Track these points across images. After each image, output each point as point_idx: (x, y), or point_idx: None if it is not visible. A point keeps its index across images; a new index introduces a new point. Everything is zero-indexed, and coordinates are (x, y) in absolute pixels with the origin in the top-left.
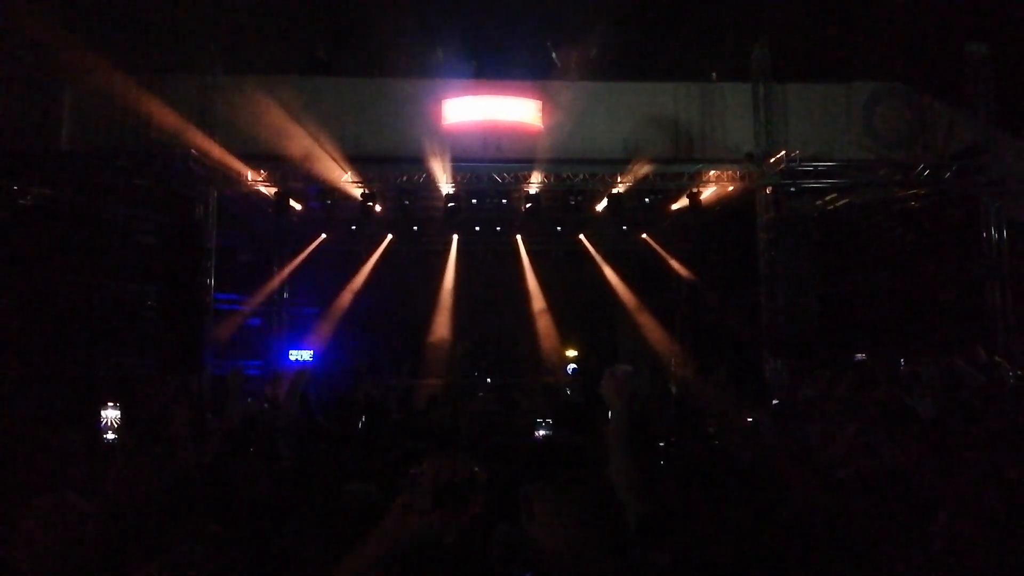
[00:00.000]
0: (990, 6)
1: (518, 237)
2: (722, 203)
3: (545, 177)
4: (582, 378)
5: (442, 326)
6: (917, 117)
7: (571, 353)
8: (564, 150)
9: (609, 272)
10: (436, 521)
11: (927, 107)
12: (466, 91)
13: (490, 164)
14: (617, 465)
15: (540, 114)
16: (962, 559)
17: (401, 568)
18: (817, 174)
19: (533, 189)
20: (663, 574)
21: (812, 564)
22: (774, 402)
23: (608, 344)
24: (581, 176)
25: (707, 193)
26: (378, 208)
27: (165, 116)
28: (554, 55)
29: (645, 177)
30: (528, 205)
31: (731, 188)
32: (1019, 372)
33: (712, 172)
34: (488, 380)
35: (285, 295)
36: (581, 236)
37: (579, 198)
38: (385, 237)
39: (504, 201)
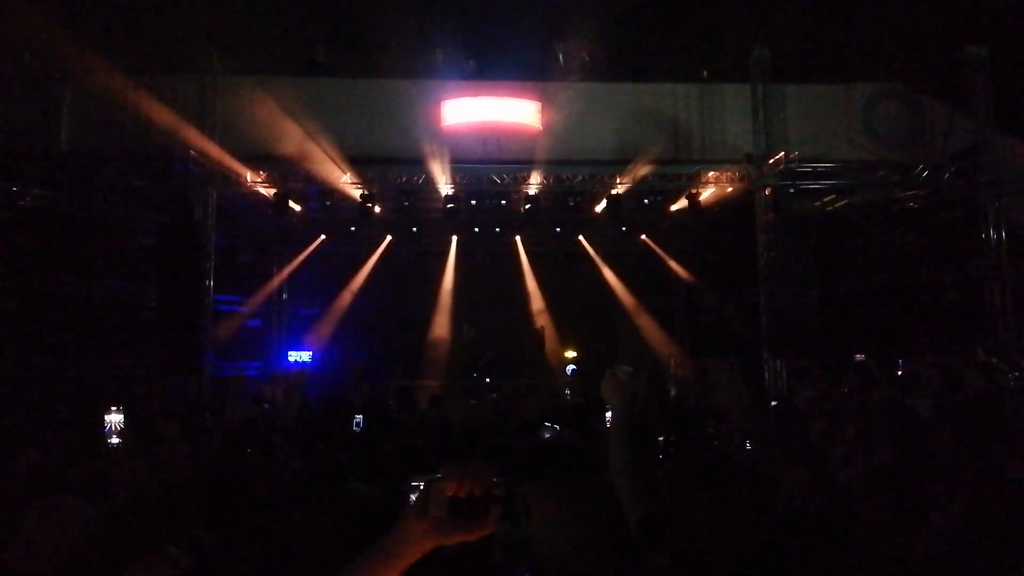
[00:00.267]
0: (989, 8)
1: (517, 238)
2: (721, 204)
3: (544, 178)
4: (581, 379)
5: (441, 327)
6: (916, 118)
7: (570, 354)
8: (563, 151)
9: (608, 273)
10: (449, 533)
11: (926, 108)
12: (465, 92)
13: (489, 165)
14: (617, 466)
15: (539, 115)
16: (962, 561)
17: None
18: (816, 175)
19: (532, 190)
20: (663, 575)
21: (812, 565)
22: (773, 403)
23: (607, 345)
24: (580, 177)
25: (706, 194)
26: (377, 209)
27: (164, 117)
28: (561, 57)
29: (644, 178)
30: (527, 206)
31: (730, 189)
32: (1017, 373)
33: (711, 173)
34: (488, 380)
35: (284, 296)
36: (580, 237)
37: (578, 199)
38: (384, 238)
39: (503, 202)
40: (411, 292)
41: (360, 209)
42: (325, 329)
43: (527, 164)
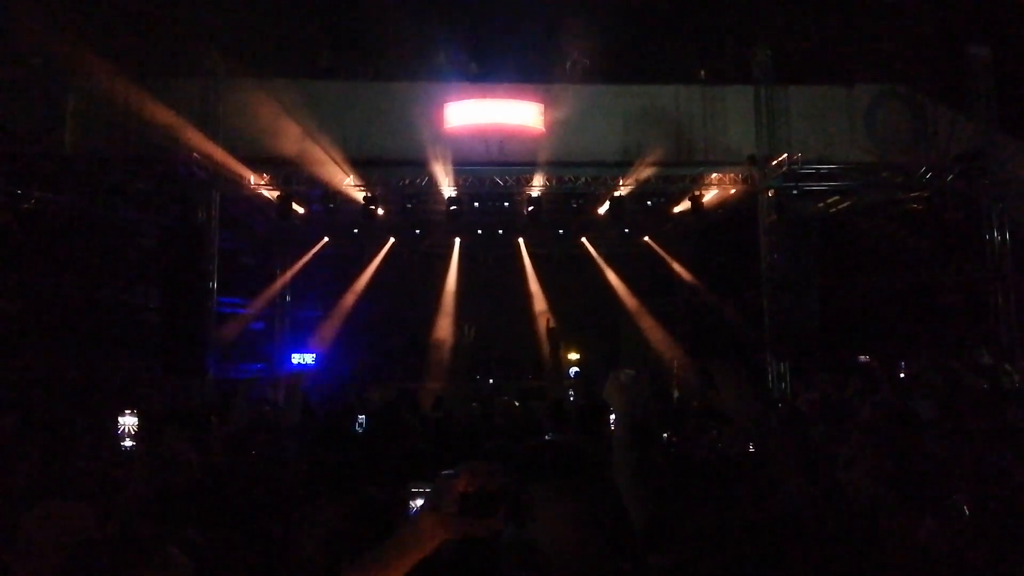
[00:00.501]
0: (991, 8)
1: (520, 240)
2: (724, 206)
3: (547, 180)
4: (584, 382)
5: (444, 329)
6: (919, 120)
7: (573, 356)
8: (566, 153)
9: (611, 275)
10: (459, 528)
11: (929, 110)
12: (468, 94)
13: (492, 167)
14: (620, 468)
15: (542, 117)
16: (964, 562)
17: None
18: (819, 177)
19: (535, 192)
20: None
21: (814, 567)
22: (778, 405)
23: (610, 347)
24: (583, 179)
25: (709, 196)
26: (380, 211)
27: (167, 120)
28: (563, 59)
29: (647, 180)
30: (530, 208)
31: (733, 191)
32: (1019, 375)
33: (714, 175)
34: (491, 381)
35: (287, 298)
36: (583, 239)
37: (581, 201)
38: (387, 240)
39: (506, 204)
40: (414, 294)
41: (363, 211)
42: (328, 331)
43: (530, 166)
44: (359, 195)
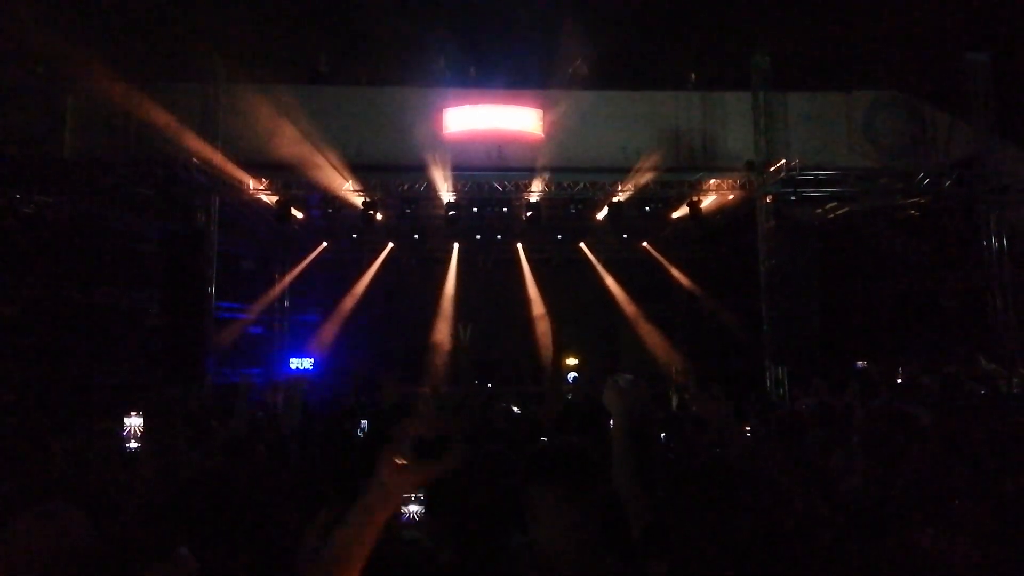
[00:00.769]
0: (989, 15)
1: (519, 245)
2: (723, 211)
3: (546, 185)
4: (583, 386)
5: (443, 334)
6: (917, 125)
7: (572, 362)
8: (565, 158)
9: (609, 280)
10: (417, 472)
11: (927, 115)
12: (467, 100)
13: (491, 172)
14: (619, 474)
15: (541, 123)
16: (961, 570)
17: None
18: (817, 182)
19: (534, 197)
20: None
21: (813, 573)
22: (777, 411)
23: (609, 352)
24: (582, 184)
25: (707, 201)
26: (379, 216)
27: (167, 125)
28: (562, 65)
29: (646, 185)
30: (529, 213)
31: (731, 196)
32: (1017, 380)
33: (712, 180)
34: (489, 385)
35: (286, 303)
36: (582, 244)
37: (580, 206)
38: (386, 245)
39: (505, 209)
40: (413, 299)
41: (362, 216)
42: (327, 336)
43: (529, 171)
44: (358, 200)
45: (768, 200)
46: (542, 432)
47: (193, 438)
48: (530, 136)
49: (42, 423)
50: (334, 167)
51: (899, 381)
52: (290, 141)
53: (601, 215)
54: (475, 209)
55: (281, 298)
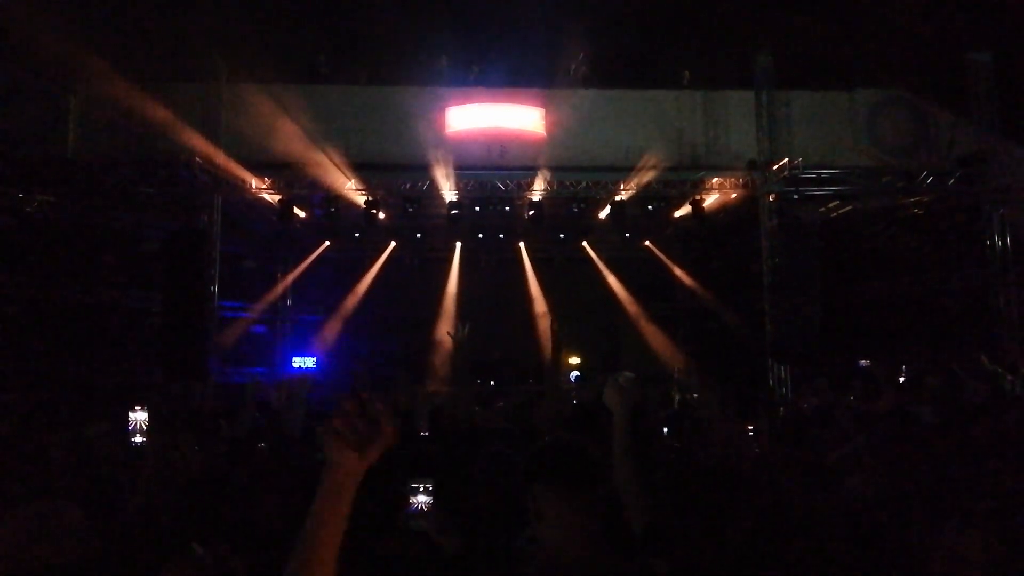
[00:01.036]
0: (992, 14)
1: (521, 244)
2: (725, 210)
3: (548, 184)
4: (585, 385)
5: (443, 333)
6: (920, 124)
7: (574, 360)
8: (567, 157)
9: (612, 279)
10: (360, 448)
11: (930, 114)
12: (469, 99)
13: (493, 172)
14: (620, 472)
15: (543, 122)
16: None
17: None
18: (820, 181)
19: (536, 196)
20: None
21: (814, 573)
22: (780, 410)
23: (611, 351)
24: (584, 183)
25: (710, 200)
26: (381, 215)
27: (170, 124)
28: (564, 64)
29: (648, 184)
30: (531, 212)
31: (734, 195)
32: (1021, 380)
33: (715, 179)
34: (492, 383)
35: (289, 302)
36: (584, 243)
37: (582, 205)
38: (388, 244)
39: (507, 208)
40: (415, 298)
41: (364, 215)
42: (329, 335)
43: (531, 170)
44: (360, 199)
45: (771, 199)
46: (536, 432)
47: (198, 437)
48: (532, 135)
49: (44, 422)
50: (336, 166)
51: (902, 380)
52: (292, 140)
53: (603, 214)
54: (477, 208)
55: (284, 297)
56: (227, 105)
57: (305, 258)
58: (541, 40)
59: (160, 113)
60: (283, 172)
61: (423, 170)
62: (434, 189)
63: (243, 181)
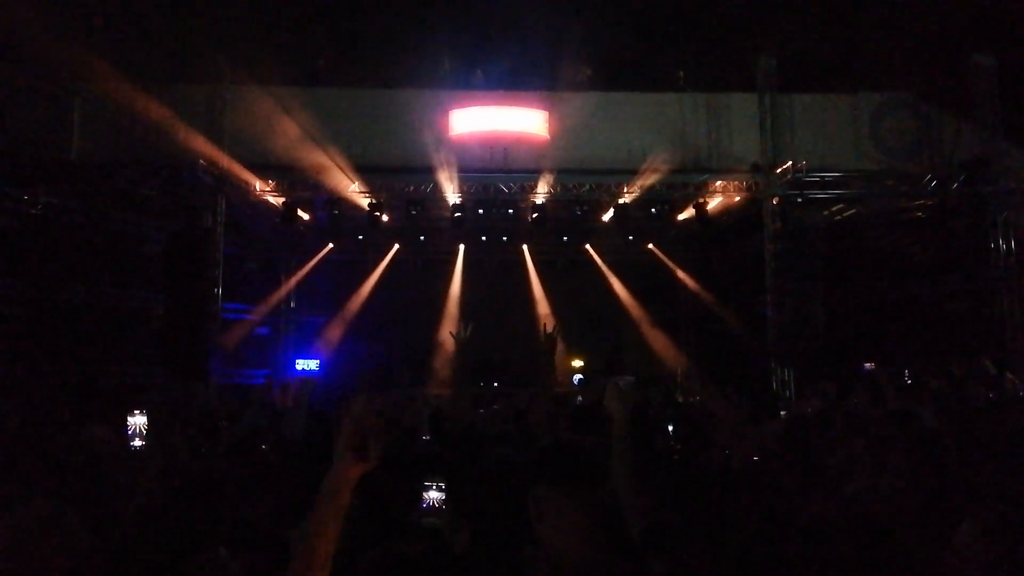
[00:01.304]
0: (996, 17)
1: (524, 247)
2: (729, 213)
3: (551, 187)
4: (588, 388)
5: (446, 335)
6: (924, 127)
7: (577, 363)
8: (570, 160)
9: (615, 282)
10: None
11: (934, 117)
12: (473, 102)
13: (496, 174)
14: (619, 475)
15: (546, 124)
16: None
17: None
18: (824, 185)
19: (539, 199)
20: None
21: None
22: (782, 413)
23: (614, 354)
24: (587, 186)
25: (713, 203)
26: (385, 218)
27: (174, 126)
28: (568, 67)
29: (651, 187)
30: (534, 215)
31: (737, 198)
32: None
33: (718, 182)
34: (496, 384)
35: (292, 304)
36: (587, 246)
37: (585, 208)
38: (392, 246)
39: (510, 211)
40: (418, 300)
41: (368, 218)
42: (332, 337)
43: (534, 173)
44: (364, 201)
45: (774, 202)
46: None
47: (200, 439)
48: (536, 138)
49: (45, 423)
50: (340, 168)
51: (906, 383)
52: (296, 142)
53: (607, 217)
54: (481, 211)
55: (287, 299)
56: (231, 107)
57: (308, 260)
58: (545, 43)
59: (164, 115)
60: (287, 174)
61: (427, 173)
62: (437, 192)
63: (247, 183)
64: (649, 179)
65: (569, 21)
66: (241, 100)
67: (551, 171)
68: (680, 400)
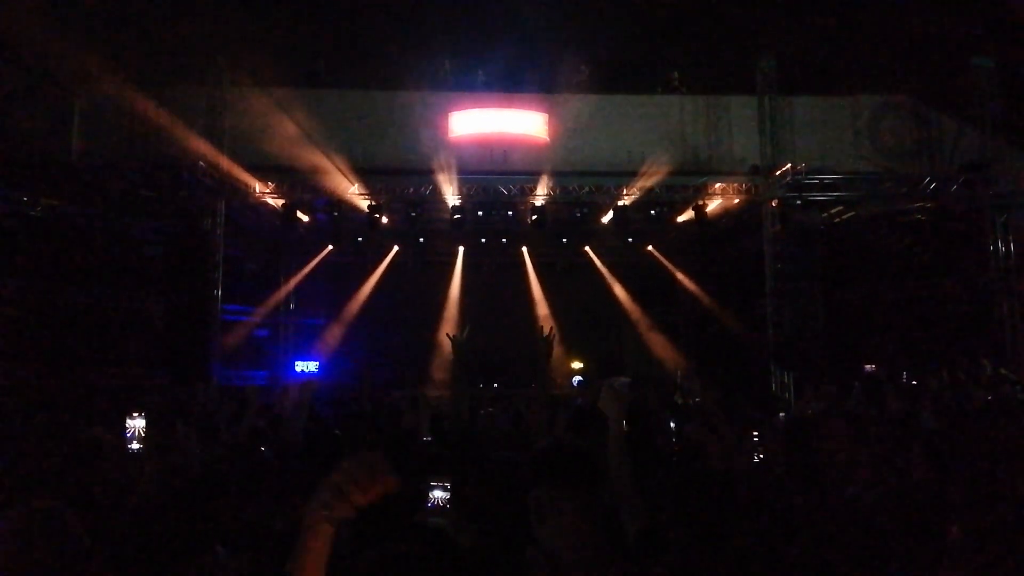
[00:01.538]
0: (996, 20)
1: (524, 249)
2: (728, 215)
3: (551, 189)
4: (588, 389)
5: (444, 336)
6: (923, 130)
7: (576, 365)
8: (570, 162)
9: (614, 284)
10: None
11: (933, 120)
12: (472, 104)
13: (496, 176)
14: (615, 477)
15: (546, 127)
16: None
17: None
18: (823, 187)
19: (539, 201)
20: None
21: None
22: (781, 415)
23: (614, 356)
24: (587, 188)
25: (713, 205)
26: (385, 220)
27: (174, 128)
28: (567, 69)
29: (651, 189)
30: (534, 217)
31: (737, 201)
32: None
33: (718, 185)
34: (495, 385)
35: (292, 306)
36: (587, 248)
37: (585, 210)
38: (391, 248)
39: (510, 213)
40: (418, 302)
41: (368, 219)
42: (332, 339)
43: (534, 175)
44: (364, 203)
45: (773, 204)
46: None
47: (199, 441)
48: (535, 140)
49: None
50: (340, 171)
51: (906, 385)
52: (296, 144)
53: (606, 219)
54: (480, 213)
55: (286, 301)
56: (230, 109)
57: (308, 262)
58: (544, 45)
59: (164, 117)
60: (287, 176)
61: (426, 175)
62: (437, 194)
63: (246, 185)
64: (648, 181)
65: (568, 23)
66: (241, 101)
67: (550, 173)
68: (679, 402)
